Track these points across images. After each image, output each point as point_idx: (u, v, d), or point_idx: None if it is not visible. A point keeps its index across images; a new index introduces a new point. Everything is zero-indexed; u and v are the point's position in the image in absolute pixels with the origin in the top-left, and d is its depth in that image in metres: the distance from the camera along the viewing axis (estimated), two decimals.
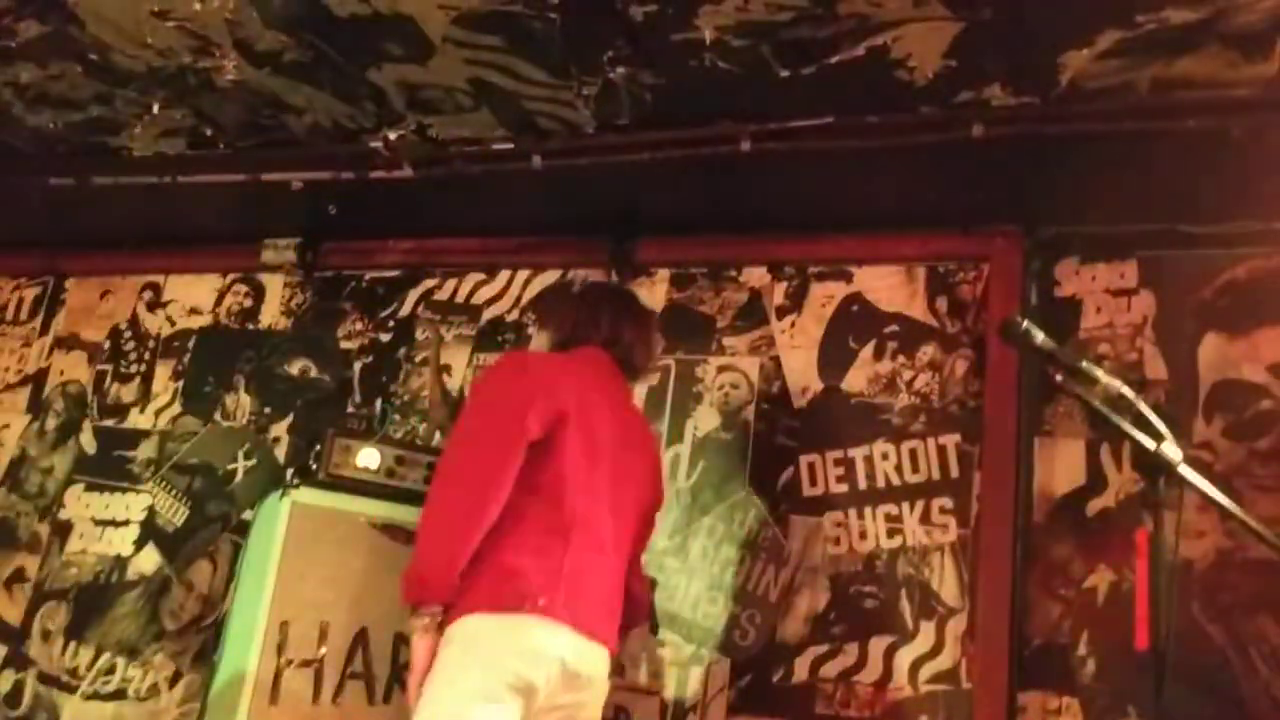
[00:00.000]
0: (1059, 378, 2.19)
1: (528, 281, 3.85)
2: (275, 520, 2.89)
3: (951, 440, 3.29)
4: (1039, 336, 2.15)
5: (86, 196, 3.77)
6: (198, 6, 2.84)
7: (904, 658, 3.12)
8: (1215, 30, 2.48)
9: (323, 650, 2.80)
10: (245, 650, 2.75)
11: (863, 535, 3.27)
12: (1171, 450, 2.04)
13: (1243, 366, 3.14)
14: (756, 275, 3.63)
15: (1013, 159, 3.00)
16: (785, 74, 2.81)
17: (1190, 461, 2.03)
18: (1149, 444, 2.04)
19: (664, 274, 3.71)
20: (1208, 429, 3.12)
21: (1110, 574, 3.06)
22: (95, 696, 3.78)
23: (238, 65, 3.07)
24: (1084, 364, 2.13)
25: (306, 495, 2.90)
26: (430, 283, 3.96)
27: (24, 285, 4.48)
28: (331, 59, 3.00)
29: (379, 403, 3.79)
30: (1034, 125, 2.84)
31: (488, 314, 3.85)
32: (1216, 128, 2.75)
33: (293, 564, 2.88)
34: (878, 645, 3.15)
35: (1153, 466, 2.06)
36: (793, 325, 3.55)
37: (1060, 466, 3.20)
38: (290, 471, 3.03)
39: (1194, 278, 3.24)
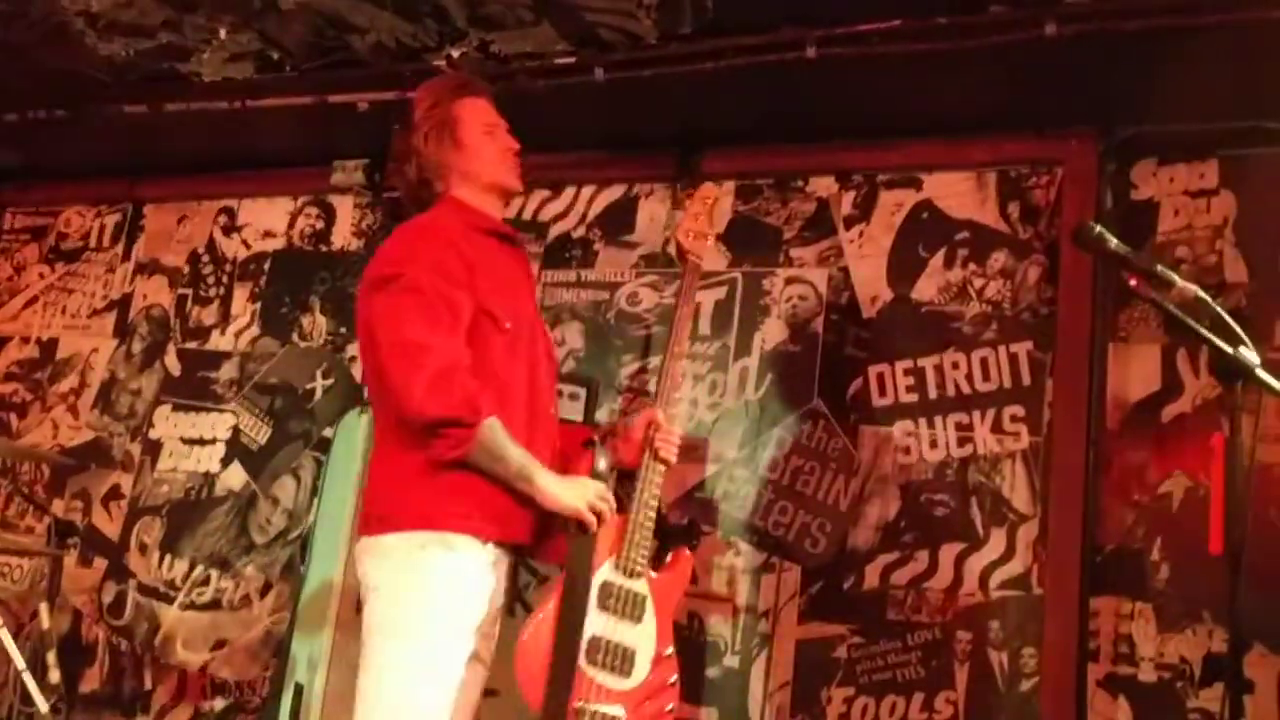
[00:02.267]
0: (1133, 283, 2.15)
1: (593, 198, 3.85)
2: (354, 436, 2.98)
3: (1023, 348, 3.26)
4: (1113, 241, 2.10)
5: (160, 123, 3.84)
6: None
7: (974, 564, 3.14)
8: None
9: None
10: (331, 562, 2.86)
11: (933, 444, 3.27)
12: (1249, 354, 2.00)
13: None
14: (824, 184, 3.59)
15: (1087, 57, 2.91)
16: None
17: (1270, 365, 2.00)
18: (1226, 348, 2.01)
19: (729, 185, 3.68)
20: None
21: (1186, 480, 3.03)
22: (191, 606, 3.96)
23: None
24: (1159, 268, 2.09)
25: None
26: None
27: (104, 213, 4.59)
28: None
29: None
30: (1109, 21, 2.75)
31: (554, 231, 3.87)
32: None
33: None
34: (948, 552, 3.17)
35: (1230, 371, 2.02)
36: (861, 234, 3.51)
37: (1135, 372, 3.16)
38: (366, 392, 3.10)
39: (1277, 177, 3.14)
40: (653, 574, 2.36)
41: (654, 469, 2.40)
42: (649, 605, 2.33)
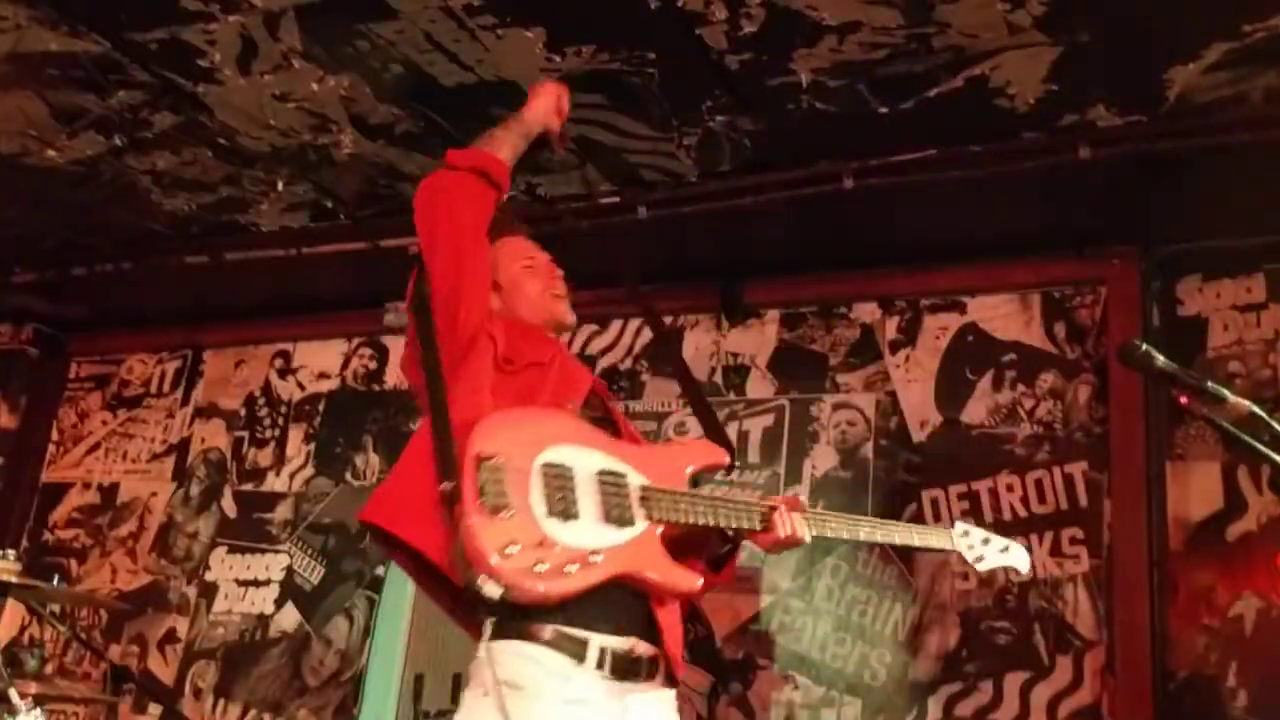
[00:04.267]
0: (1184, 400, 2.12)
1: (639, 330, 3.90)
2: (405, 583, 2.98)
3: (1079, 468, 3.21)
4: (1159, 359, 2.09)
5: (219, 272, 3.98)
6: (315, 87, 2.99)
7: (1041, 694, 3.04)
8: None
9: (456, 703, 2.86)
10: (383, 705, 2.84)
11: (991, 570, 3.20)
12: None
13: None
14: (867, 310, 3.62)
15: (1123, 178, 2.95)
16: (884, 110, 2.82)
17: None
18: None
19: (774, 315, 3.72)
20: None
21: (1257, 601, 2.94)
22: None
23: (354, 139, 3.22)
24: (1209, 384, 2.07)
25: None
26: None
27: (165, 359, 4.72)
28: (441, 127, 3.12)
29: None
30: (1143, 144, 2.79)
31: (602, 364, 3.92)
32: None
33: (424, 619, 2.97)
34: (1013, 682, 3.08)
35: None
36: (907, 359, 3.52)
37: (1195, 490, 3.10)
38: None
39: None
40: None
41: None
42: None
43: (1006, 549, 2.37)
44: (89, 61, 2.97)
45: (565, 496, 1.86)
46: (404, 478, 2.02)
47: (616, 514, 1.89)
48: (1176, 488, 3.12)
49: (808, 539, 2.09)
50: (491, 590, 1.74)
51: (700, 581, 1.96)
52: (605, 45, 2.71)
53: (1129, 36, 2.49)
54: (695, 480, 2.10)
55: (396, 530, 1.95)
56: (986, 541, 2.38)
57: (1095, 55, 2.55)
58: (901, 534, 2.31)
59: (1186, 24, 2.44)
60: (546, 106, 2.43)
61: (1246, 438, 1.96)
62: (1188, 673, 2.95)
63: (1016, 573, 2.49)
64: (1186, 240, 3.22)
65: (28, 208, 3.76)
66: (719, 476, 3.54)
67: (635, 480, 1.95)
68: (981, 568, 2.35)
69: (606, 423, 2.12)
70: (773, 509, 2.07)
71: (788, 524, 2.05)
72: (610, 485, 1.92)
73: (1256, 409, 1.98)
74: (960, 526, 2.36)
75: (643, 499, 1.93)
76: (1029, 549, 3.12)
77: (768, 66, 2.70)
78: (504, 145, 2.32)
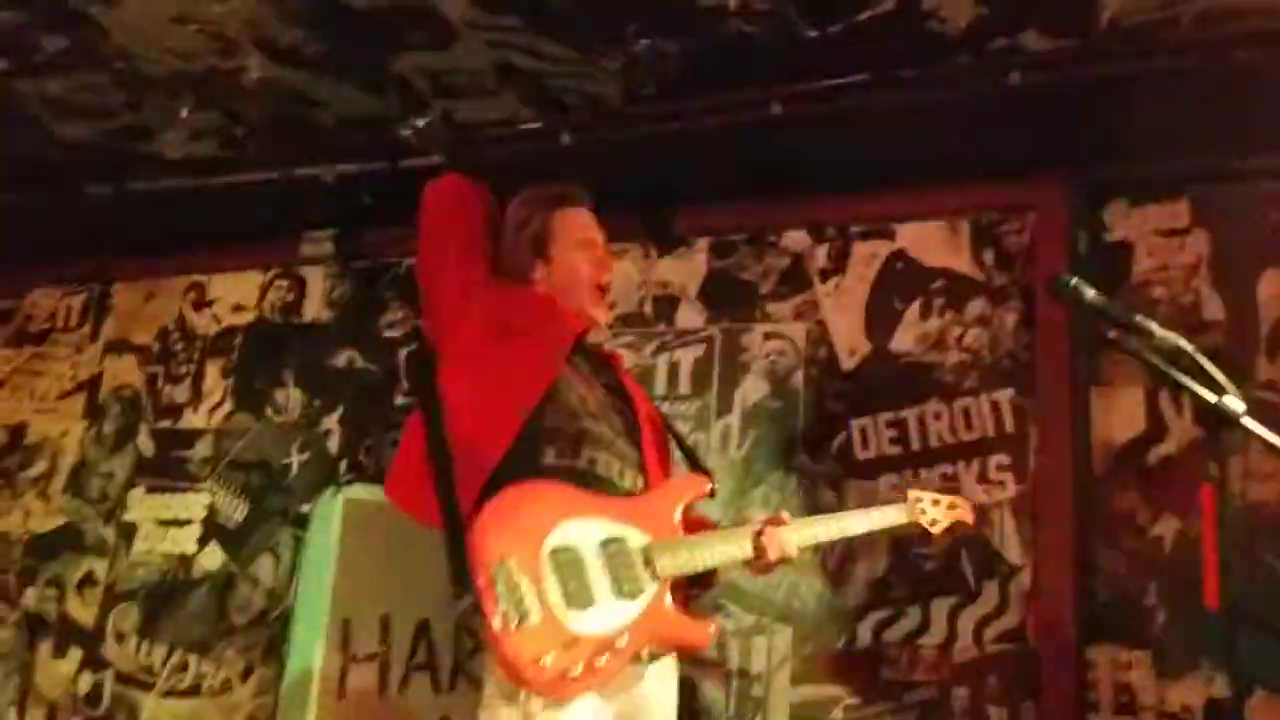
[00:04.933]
0: (1112, 334, 2.11)
1: None
2: (330, 518, 2.92)
3: (1005, 395, 3.22)
4: (1089, 292, 2.08)
5: (125, 202, 3.81)
6: (216, 8, 2.82)
7: (968, 619, 3.08)
8: None
9: (385, 645, 2.82)
10: (310, 649, 2.79)
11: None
12: (1233, 402, 1.97)
13: None
14: (797, 239, 3.57)
15: (1053, 104, 2.91)
16: (813, 34, 2.74)
17: (1255, 402, 1.97)
18: (1210, 397, 1.98)
19: (703, 243, 3.66)
20: (1271, 367, 3.03)
21: (1177, 522, 2.99)
22: (171, 693, 3.85)
23: (261, 64, 3.06)
24: (1137, 318, 2.06)
25: (360, 491, 2.92)
26: None
27: (71, 293, 4.53)
28: (353, 51, 2.98)
29: None
30: (1074, 69, 2.75)
31: None
32: (1267, 59, 2.64)
33: (351, 560, 2.92)
34: (940, 607, 3.11)
35: (1215, 420, 1.99)
36: (837, 287, 3.49)
37: (1119, 415, 3.13)
38: (344, 466, 3.05)
39: (1249, 213, 3.13)
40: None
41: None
42: None
43: (954, 505, 2.48)
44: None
45: (579, 581, 1.94)
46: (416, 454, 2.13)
47: (629, 587, 1.99)
48: (1101, 413, 3.15)
49: (795, 556, 2.22)
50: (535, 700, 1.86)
51: (711, 630, 2.14)
52: None
53: None
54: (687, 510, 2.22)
55: (422, 517, 2.06)
56: (936, 503, 2.49)
57: None
58: (863, 522, 2.43)
59: None
60: None
61: (1172, 371, 1.96)
62: (1110, 593, 3.00)
63: (965, 525, 2.56)
64: (1115, 166, 3.20)
65: None
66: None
67: (636, 541, 2.05)
68: (937, 530, 2.45)
69: (613, 391, 2.28)
70: (759, 533, 2.18)
71: (775, 545, 2.18)
72: (616, 555, 2.01)
73: (1183, 342, 1.98)
74: (912, 494, 2.45)
75: (646, 561, 2.04)
76: (955, 477, 3.21)
77: None
78: None
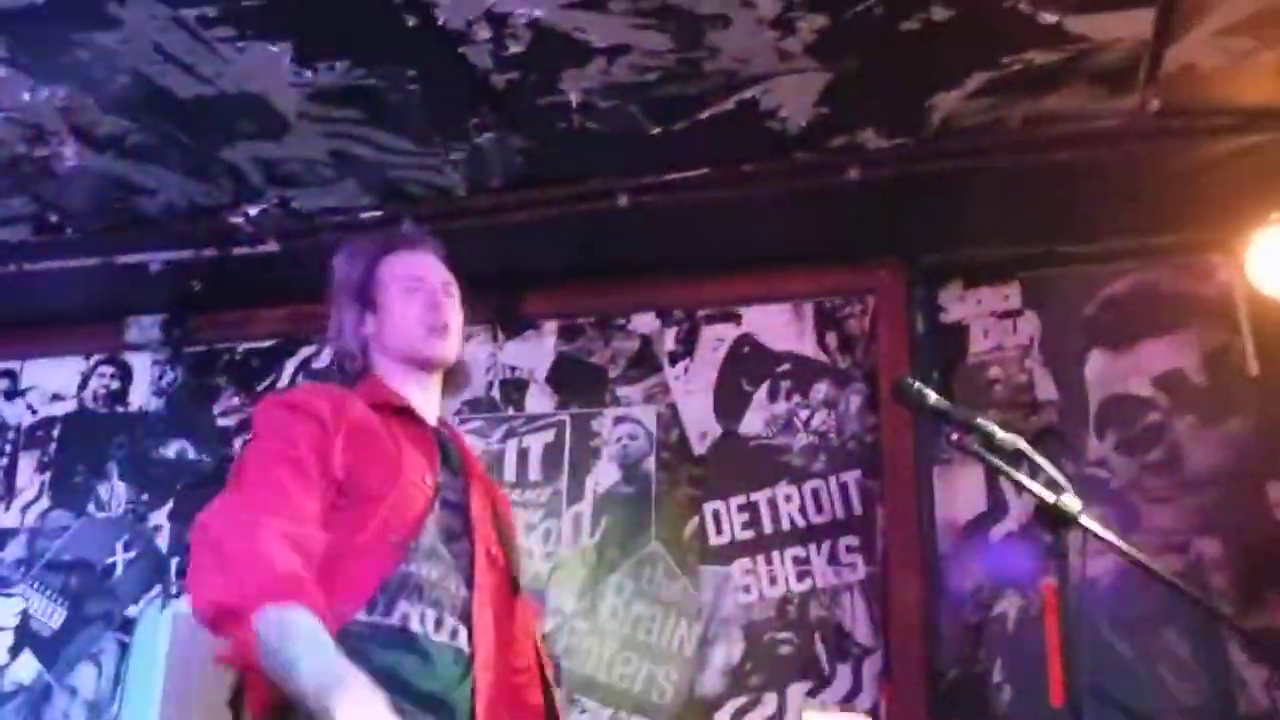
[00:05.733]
0: (955, 436, 2.15)
1: None
2: (158, 633, 2.74)
3: (853, 477, 3.27)
4: (932, 396, 2.11)
5: None
6: (27, 97, 2.65)
7: (824, 702, 3.09)
8: (1079, 69, 2.49)
9: None
10: None
11: (772, 581, 3.23)
12: (1071, 501, 2.02)
13: (1129, 380, 3.18)
14: (645, 321, 3.56)
15: (891, 195, 2.98)
16: (657, 130, 2.75)
17: (1082, 481, 2.03)
18: (1049, 497, 2.02)
19: (551, 326, 3.61)
20: (1100, 445, 3.15)
21: (1018, 598, 3.07)
22: None
23: (78, 151, 2.88)
24: (979, 420, 2.10)
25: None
26: (307, 350, 3.80)
27: None
28: (180, 139, 2.84)
29: None
30: (909, 165, 2.83)
31: None
32: (1088, 158, 2.77)
33: (180, 677, 2.73)
34: (796, 693, 3.11)
35: (1054, 518, 2.04)
36: (686, 371, 3.49)
37: (961, 494, 3.21)
38: (175, 566, 2.87)
39: (1076, 295, 3.27)
40: None
41: None
42: None
43: None
44: None
45: None
46: None
47: None
48: (944, 491, 3.22)
49: None
50: None
51: None
52: (360, 60, 2.51)
53: (895, 65, 2.49)
54: None
55: None
56: None
57: (863, 81, 2.55)
58: None
59: (949, 55, 2.46)
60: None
61: (1012, 472, 2.00)
62: (958, 671, 3.05)
63: None
64: (950, 251, 3.31)
65: None
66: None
67: None
68: None
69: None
70: None
71: None
72: None
73: (1022, 445, 2.03)
74: None
75: None
76: (806, 559, 3.22)
77: (536, 86, 2.58)
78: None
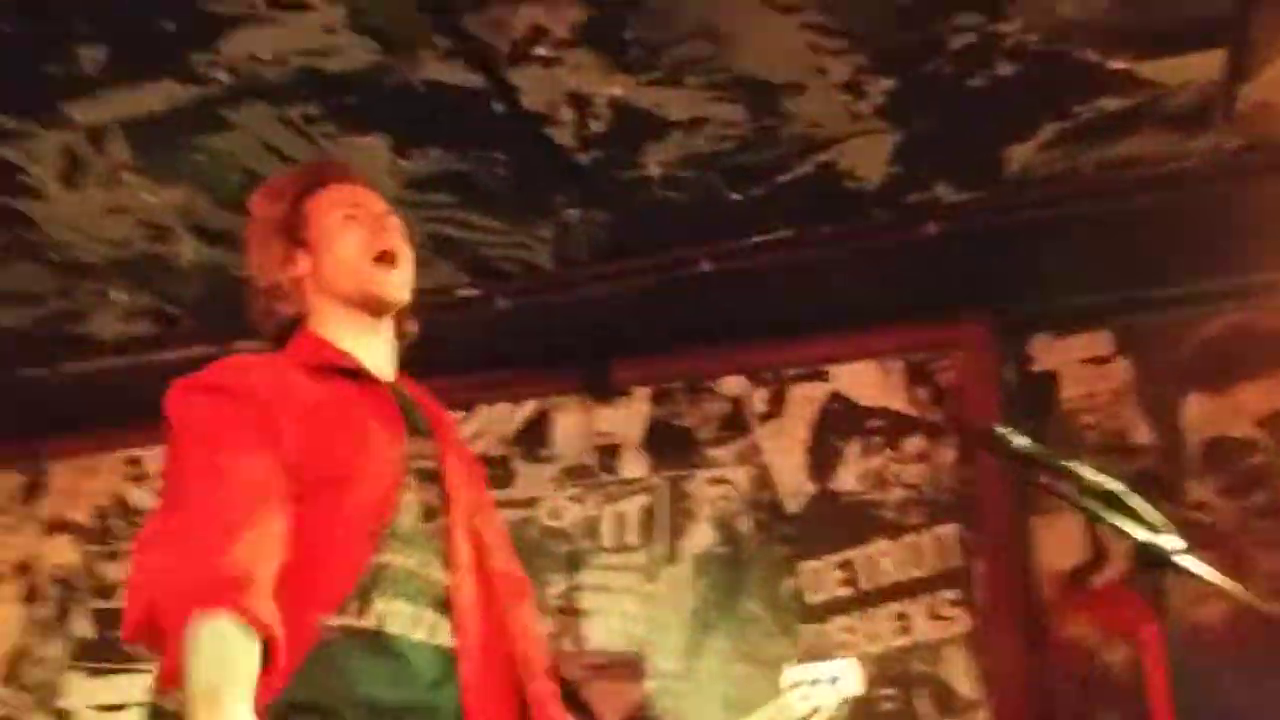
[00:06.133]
0: (1044, 479, 2.16)
1: (507, 416, 3.83)
2: None
3: (949, 530, 3.26)
4: (1017, 440, 2.12)
5: (59, 383, 3.77)
6: (149, 198, 2.86)
7: None
8: (1152, 112, 2.53)
9: None
10: None
11: (872, 637, 3.23)
12: (1169, 541, 2.01)
13: (1230, 423, 3.14)
14: (734, 384, 3.62)
15: (971, 248, 3.02)
16: (736, 196, 2.84)
17: (1183, 525, 2.01)
18: (1144, 538, 2.01)
19: (641, 393, 3.70)
20: (1201, 488, 3.10)
21: (1126, 647, 3.02)
22: None
23: (195, 247, 3.09)
24: (1070, 465, 2.10)
25: None
26: None
27: (8, 475, 4.43)
28: None
29: None
30: (986, 217, 2.87)
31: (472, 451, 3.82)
32: (1169, 200, 2.78)
33: None
34: None
35: (1153, 560, 2.03)
36: (777, 430, 3.53)
37: (1061, 543, 3.18)
38: None
39: (1169, 339, 3.24)
40: None
41: None
42: None
43: (836, 678, 2.24)
44: None
45: None
46: None
47: None
48: (1043, 541, 3.19)
49: None
50: None
51: None
52: (452, 147, 2.67)
53: (966, 121, 2.56)
54: None
55: None
56: (815, 682, 2.23)
57: (935, 138, 2.62)
58: None
59: (1019, 107, 2.52)
60: None
61: (1105, 514, 2.00)
62: None
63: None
64: (1035, 301, 3.31)
65: None
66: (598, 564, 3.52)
67: None
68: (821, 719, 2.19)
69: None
70: None
71: None
72: None
73: (1115, 486, 2.03)
74: (789, 678, 2.23)
75: None
76: (906, 615, 3.21)
77: (618, 161, 2.70)
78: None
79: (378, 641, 1.46)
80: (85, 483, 4.29)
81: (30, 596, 4.20)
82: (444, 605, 1.53)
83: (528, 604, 1.68)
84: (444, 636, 1.52)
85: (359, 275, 1.63)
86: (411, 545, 1.53)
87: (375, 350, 1.65)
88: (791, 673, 2.25)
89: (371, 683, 1.45)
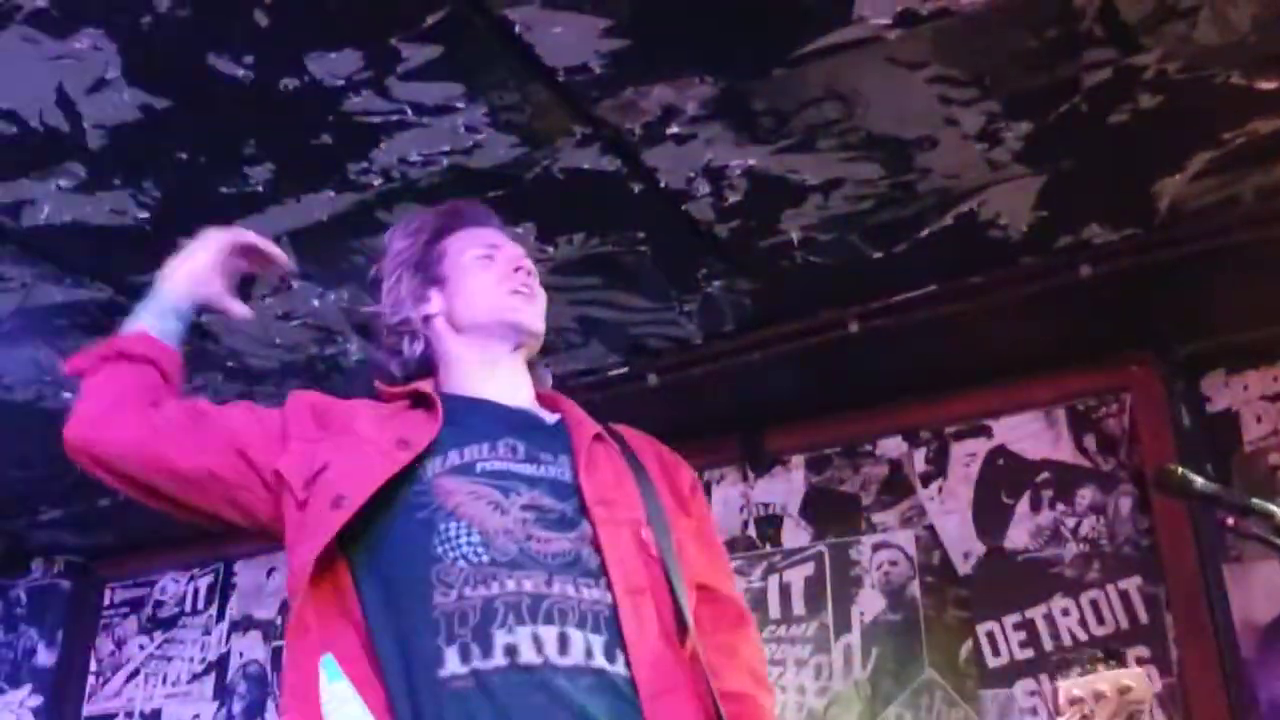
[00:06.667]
0: (1230, 521, 2.05)
1: None
2: None
3: (1133, 584, 3.11)
4: (1198, 481, 2.03)
5: None
6: (316, 303, 3.03)
7: None
8: None
9: None
10: None
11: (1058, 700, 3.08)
12: None
13: None
14: (893, 445, 3.57)
15: (1130, 289, 2.93)
16: (878, 255, 2.83)
17: None
18: None
19: (798, 460, 3.68)
20: None
21: None
22: None
23: (360, 345, 3.24)
24: (1254, 501, 2.00)
25: None
26: None
27: (197, 575, 4.69)
28: None
29: None
30: (1142, 255, 2.78)
31: None
32: None
33: None
34: None
35: None
36: (940, 490, 3.45)
37: (1258, 592, 3.00)
38: None
39: None
40: None
41: None
42: None
43: (1125, 689, 2.01)
44: (94, 307, 3.02)
45: None
46: None
47: None
48: (1238, 591, 3.02)
49: None
50: None
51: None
52: (595, 231, 2.74)
53: (1110, 158, 2.50)
54: None
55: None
56: (1099, 696, 2.03)
57: (1080, 179, 2.56)
58: None
59: (1165, 139, 2.45)
60: (190, 273, 1.65)
61: None
62: None
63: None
64: (1203, 338, 3.18)
65: (48, 449, 3.77)
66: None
67: None
68: None
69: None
70: None
71: None
72: None
73: None
74: (1064, 693, 2.05)
75: None
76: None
77: (757, 230, 2.73)
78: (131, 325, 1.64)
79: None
80: (269, 580, 4.50)
81: (223, 693, 4.40)
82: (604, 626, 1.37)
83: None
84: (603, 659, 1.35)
85: (496, 305, 1.61)
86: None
87: (507, 382, 1.60)
88: (1065, 689, 2.07)
89: None
